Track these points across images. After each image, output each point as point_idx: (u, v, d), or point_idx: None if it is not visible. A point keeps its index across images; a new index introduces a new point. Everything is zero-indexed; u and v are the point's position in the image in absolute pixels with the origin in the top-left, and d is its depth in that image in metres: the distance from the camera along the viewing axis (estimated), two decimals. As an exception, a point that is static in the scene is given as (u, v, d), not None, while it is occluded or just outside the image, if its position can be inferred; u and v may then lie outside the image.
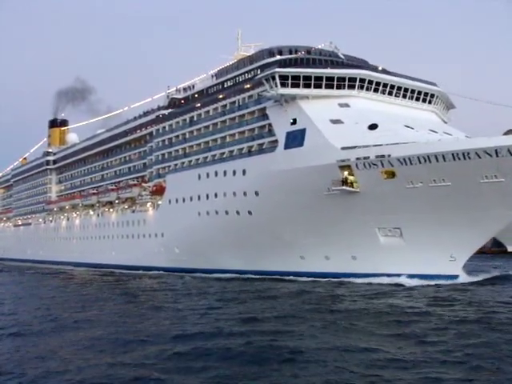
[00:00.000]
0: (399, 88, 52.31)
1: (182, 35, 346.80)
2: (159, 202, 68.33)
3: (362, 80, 50.03)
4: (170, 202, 65.34)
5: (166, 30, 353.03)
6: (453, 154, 40.09)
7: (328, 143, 45.72)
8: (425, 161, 41.24)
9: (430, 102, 54.69)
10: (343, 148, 44.92)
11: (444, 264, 43.70)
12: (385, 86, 51.27)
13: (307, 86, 49.52)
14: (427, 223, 43.23)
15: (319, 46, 57.02)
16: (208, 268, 57.31)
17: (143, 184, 73.58)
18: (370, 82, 50.38)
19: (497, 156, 38.91)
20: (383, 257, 45.49)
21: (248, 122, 56.33)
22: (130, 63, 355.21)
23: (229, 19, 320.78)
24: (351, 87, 49.94)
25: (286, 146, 49.51)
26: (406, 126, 46.77)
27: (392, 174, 43.12)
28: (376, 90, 50.86)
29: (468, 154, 39.54)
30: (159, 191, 68.29)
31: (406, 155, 41.71)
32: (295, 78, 49.40)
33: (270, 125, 52.89)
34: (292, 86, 49.46)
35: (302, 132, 48.29)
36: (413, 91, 53.19)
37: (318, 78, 49.52)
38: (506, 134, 40.99)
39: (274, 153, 50.75)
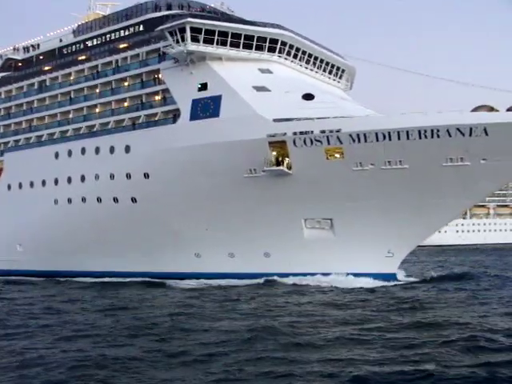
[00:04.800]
0: (316, 58, 45.03)
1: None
2: (-10, 188, 54.03)
3: (284, 43, 41.86)
4: (9, 187, 51.44)
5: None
6: (419, 131, 33.92)
7: (255, 113, 37.24)
8: (384, 138, 34.55)
9: (340, 77, 48.31)
10: (276, 120, 36.70)
11: (379, 261, 37.72)
12: (304, 53, 43.68)
13: (223, 43, 40.30)
14: (367, 213, 36.77)
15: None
16: (70, 270, 45.49)
17: (-34, 165, 57.93)
18: (291, 47, 42.41)
19: (470, 135, 33.45)
20: (304, 253, 38.20)
21: (130, 87, 45.41)
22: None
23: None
24: (272, 50, 41.46)
25: (193, 117, 39.91)
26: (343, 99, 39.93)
27: (339, 154, 35.93)
28: (295, 57, 43.03)
29: (438, 131, 33.62)
30: (-8, 174, 53.93)
31: (361, 130, 34.70)
32: (209, 32, 39.82)
33: (165, 91, 42.70)
34: (204, 43, 39.97)
35: (217, 99, 39.08)
36: (327, 63, 46.27)
37: (236, 36, 40.40)
38: (474, 110, 35.40)
39: (175, 125, 40.90)
